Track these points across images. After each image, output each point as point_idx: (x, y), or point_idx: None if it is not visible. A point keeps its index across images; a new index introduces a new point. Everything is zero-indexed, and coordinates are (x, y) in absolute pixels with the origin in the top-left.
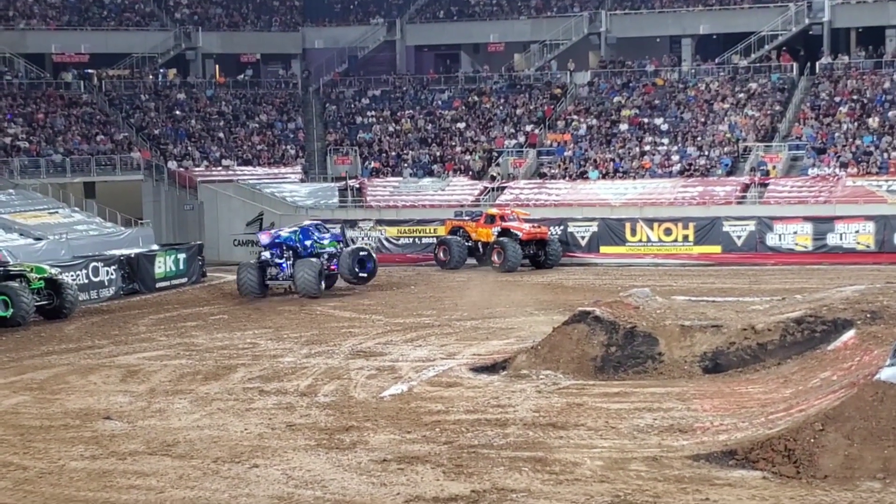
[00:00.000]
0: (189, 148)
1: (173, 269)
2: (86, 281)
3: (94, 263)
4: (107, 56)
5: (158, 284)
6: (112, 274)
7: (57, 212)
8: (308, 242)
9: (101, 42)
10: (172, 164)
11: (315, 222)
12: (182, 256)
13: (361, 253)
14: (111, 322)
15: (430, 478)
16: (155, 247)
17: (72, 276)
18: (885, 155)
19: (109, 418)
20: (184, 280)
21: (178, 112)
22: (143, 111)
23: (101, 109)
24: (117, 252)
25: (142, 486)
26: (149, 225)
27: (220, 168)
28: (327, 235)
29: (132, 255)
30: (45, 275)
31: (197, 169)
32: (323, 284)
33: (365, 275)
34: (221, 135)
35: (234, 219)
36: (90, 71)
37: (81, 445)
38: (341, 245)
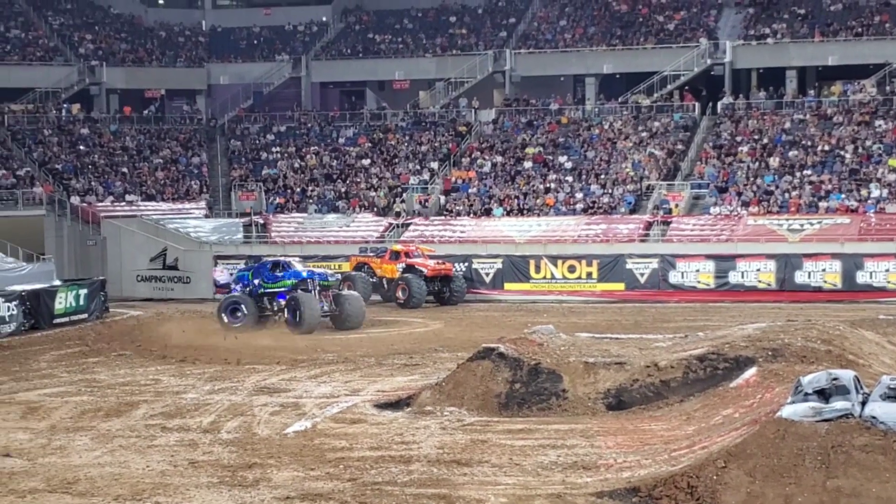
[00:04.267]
0: (92, 183)
1: (74, 304)
2: None
3: None
4: (9, 90)
5: (58, 320)
6: (13, 310)
7: None
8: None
9: (3, 76)
10: (75, 199)
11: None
12: (84, 292)
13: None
14: (11, 358)
15: None
16: (57, 282)
17: None
18: (786, 194)
19: (9, 455)
20: (85, 316)
21: (81, 147)
22: (46, 146)
23: (3, 144)
24: (18, 287)
25: None
26: (51, 260)
27: (123, 203)
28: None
29: (33, 291)
30: None
31: (100, 204)
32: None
33: None
34: (125, 170)
35: (138, 254)
36: None
37: None
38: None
